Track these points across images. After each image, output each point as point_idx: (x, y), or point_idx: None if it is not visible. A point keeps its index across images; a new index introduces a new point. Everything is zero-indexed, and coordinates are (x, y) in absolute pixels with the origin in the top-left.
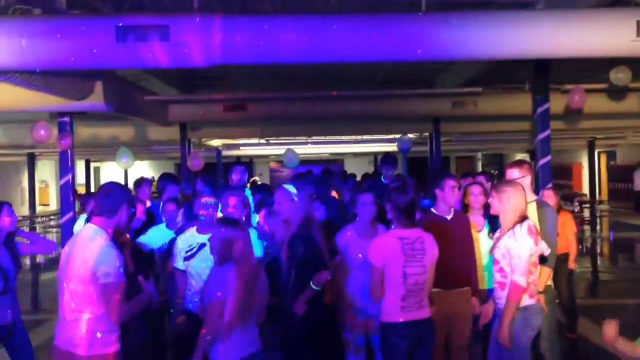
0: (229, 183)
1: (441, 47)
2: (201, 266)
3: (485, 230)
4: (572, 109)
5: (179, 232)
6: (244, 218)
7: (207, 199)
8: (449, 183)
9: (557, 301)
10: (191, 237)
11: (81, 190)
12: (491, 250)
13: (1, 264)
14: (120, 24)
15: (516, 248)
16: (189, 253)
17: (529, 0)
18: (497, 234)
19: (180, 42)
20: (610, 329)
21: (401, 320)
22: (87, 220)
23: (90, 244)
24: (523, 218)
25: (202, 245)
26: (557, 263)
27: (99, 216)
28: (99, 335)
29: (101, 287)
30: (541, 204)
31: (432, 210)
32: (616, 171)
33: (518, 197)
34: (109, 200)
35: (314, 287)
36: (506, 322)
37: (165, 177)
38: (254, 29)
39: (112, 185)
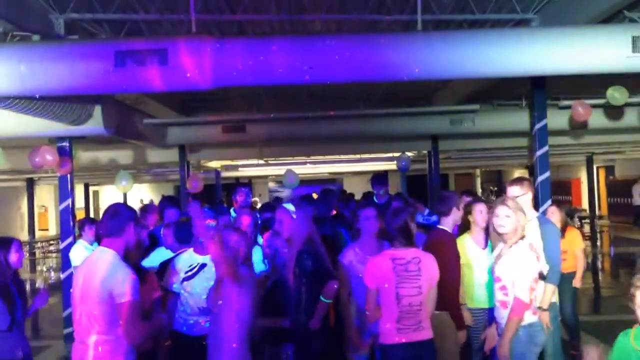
0: (233, 205)
1: (438, 65)
2: (203, 285)
3: (488, 248)
4: (577, 122)
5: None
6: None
7: (208, 222)
8: (462, 202)
9: (559, 318)
10: (190, 257)
11: (80, 214)
12: (492, 268)
13: (12, 300)
14: (118, 49)
15: (520, 264)
16: (189, 273)
17: (523, 18)
18: (496, 252)
19: (179, 66)
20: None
21: (397, 341)
22: (98, 243)
23: (101, 265)
24: (522, 236)
25: (203, 266)
26: (563, 281)
27: (107, 237)
28: (105, 355)
29: (117, 307)
30: (542, 221)
31: (444, 227)
32: (615, 186)
33: (519, 214)
34: (115, 221)
35: (324, 300)
36: (507, 339)
37: (165, 201)
38: (253, 51)
39: (118, 205)
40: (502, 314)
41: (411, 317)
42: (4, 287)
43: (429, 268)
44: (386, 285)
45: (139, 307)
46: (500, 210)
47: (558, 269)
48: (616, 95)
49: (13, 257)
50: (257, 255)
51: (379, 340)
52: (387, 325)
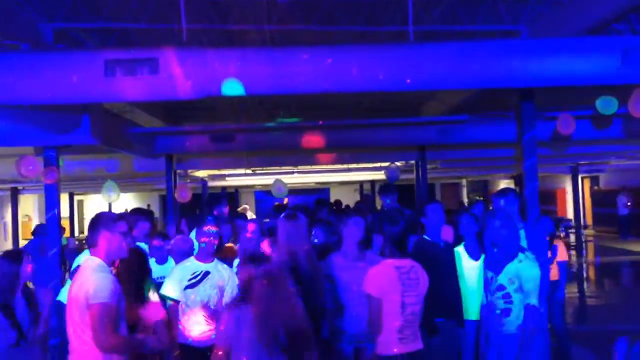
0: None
1: (429, 76)
2: (208, 293)
3: (481, 260)
4: (560, 135)
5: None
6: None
7: (210, 227)
8: (429, 207)
9: (548, 326)
10: (191, 265)
11: (64, 224)
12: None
13: (15, 315)
14: (108, 58)
15: (529, 272)
16: (193, 280)
17: (512, 29)
18: (485, 260)
19: (170, 75)
20: None
21: (398, 352)
22: None
23: (83, 272)
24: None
25: (207, 273)
26: (550, 290)
27: (89, 247)
28: None
29: (90, 308)
30: (529, 232)
31: (425, 236)
32: (600, 196)
33: (512, 224)
34: (91, 232)
35: None
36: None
37: (137, 213)
38: (244, 61)
39: (95, 215)
40: (503, 322)
41: (411, 326)
42: (5, 302)
43: (423, 276)
44: (392, 294)
45: (115, 313)
46: (494, 222)
47: (546, 280)
48: (605, 104)
49: (27, 268)
50: None
51: (376, 351)
52: (388, 335)
